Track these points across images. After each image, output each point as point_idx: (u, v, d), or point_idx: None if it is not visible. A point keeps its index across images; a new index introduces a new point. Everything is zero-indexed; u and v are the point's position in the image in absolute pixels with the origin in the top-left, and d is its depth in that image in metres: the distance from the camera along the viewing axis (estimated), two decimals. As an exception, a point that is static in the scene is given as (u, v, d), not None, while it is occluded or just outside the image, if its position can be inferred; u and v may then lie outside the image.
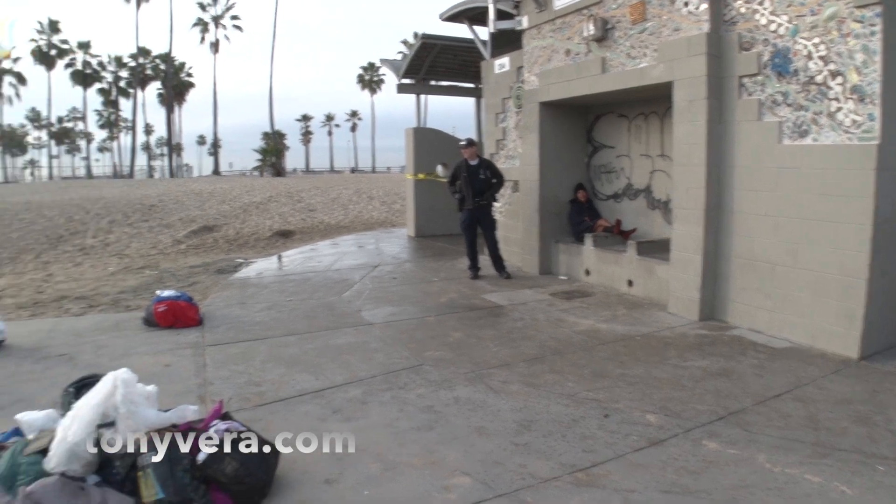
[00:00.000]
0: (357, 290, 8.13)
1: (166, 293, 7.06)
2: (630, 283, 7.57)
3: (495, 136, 10.22)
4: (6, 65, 71.93)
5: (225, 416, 3.48)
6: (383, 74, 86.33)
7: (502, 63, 9.91)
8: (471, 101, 16.52)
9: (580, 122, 9.15)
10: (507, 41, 10.21)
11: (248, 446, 3.24)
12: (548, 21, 8.50)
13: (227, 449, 3.18)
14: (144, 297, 8.15)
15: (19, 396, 4.70)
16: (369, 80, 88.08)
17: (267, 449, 3.32)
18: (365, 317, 6.79)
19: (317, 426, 3.95)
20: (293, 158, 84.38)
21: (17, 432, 3.60)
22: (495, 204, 9.13)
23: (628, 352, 5.33)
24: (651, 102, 8.02)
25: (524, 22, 8.97)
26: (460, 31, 11.68)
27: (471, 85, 15.68)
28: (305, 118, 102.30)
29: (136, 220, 17.65)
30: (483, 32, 10.88)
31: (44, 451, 3.24)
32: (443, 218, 13.24)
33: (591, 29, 7.46)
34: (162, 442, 3.18)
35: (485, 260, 9.04)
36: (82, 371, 4.79)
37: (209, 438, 3.23)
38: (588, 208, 8.85)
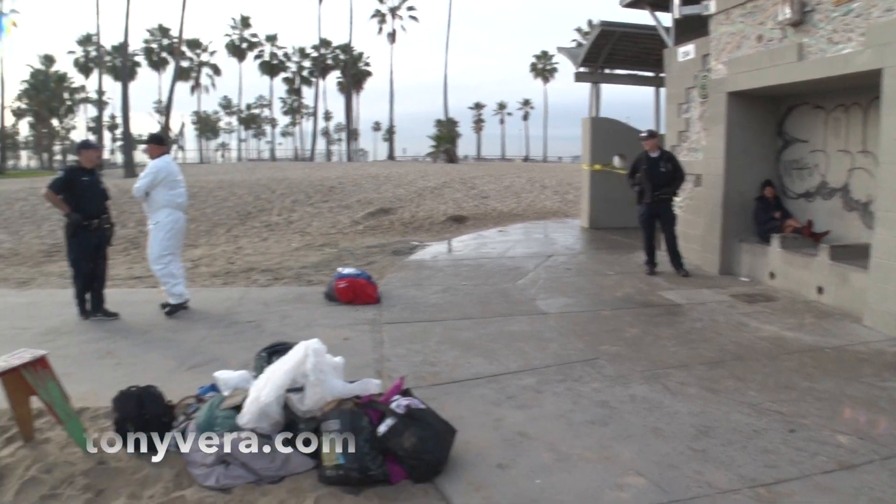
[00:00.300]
0: (531, 279, 8.19)
1: (347, 271, 7.39)
2: (820, 290, 6.93)
3: (677, 128, 9.78)
4: (204, 58, 79.68)
5: (405, 393, 3.59)
6: (556, 63, 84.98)
7: (686, 51, 9.43)
8: (648, 90, 15.89)
9: (770, 114, 8.47)
10: (691, 27, 9.67)
11: (427, 423, 3.31)
12: (737, 5, 7.95)
13: (407, 424, 3.26)
14: (325, 273, 8.61)
15: (213, 356, 5.21)
16: (542, 68, 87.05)
17: (444, 428, 3.39)
18: (539, 306, 6.84)
19: (490, 410, 4.06)
20: (465, 146, 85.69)
21: (214, 388, 3.92)
22: (675, 198, 8.76)
23: (817, 364, 4.92)
24: (853, 92, 7.23)
25: (711, 6, 8.44)
26: (641, 17, 11.26)
27: (650, 74, 15.07)
28: (478, 106, 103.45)
29: (316, 201, 18.43)
30: (666, 18, 10.39)
31: (237, 408, 3.51)
32: (618, 210, 12.82)
33: (787, 12, 6.87)
34: (346, 411, 3.34)
35: (662, 255, 8.71)
36: (269, 338, 5.17)
37: (391, 412, 3.33)
38: (776, 206, 8.19)
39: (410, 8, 73.18)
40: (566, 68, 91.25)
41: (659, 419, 3.91)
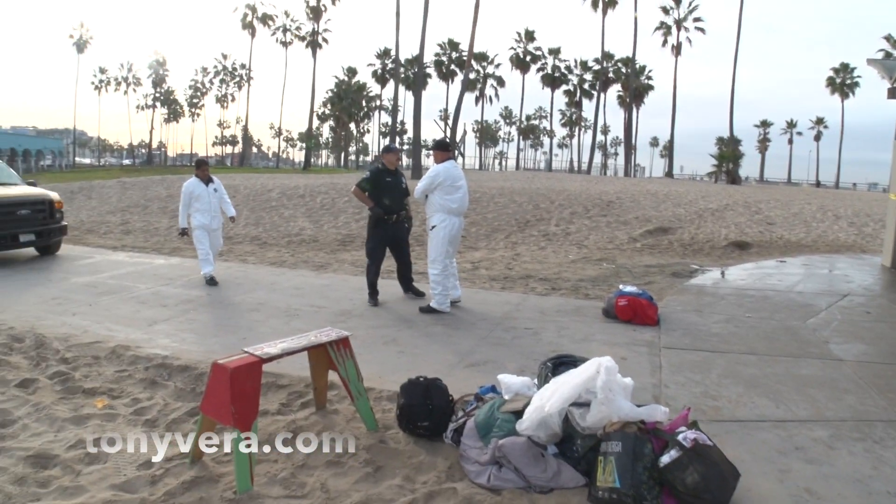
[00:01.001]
0: (823, 319, 7.19)
1: (628, 289, 7.02)
2: None
3: None
4: (489, 70, 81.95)
5: (692, 425, 3.29)
6: (858, 77, 72.33)
7: None
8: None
9: None
10: None
11: (712, 462, 3.01)
12: None
13: (692, 459, 2.96)
14: (602, 288, 8.32)
15: (490, 358, 5.26)
16: (840, 82, 74.03)
17: (729, 470, 3.08)
18: (833, 350, 5.98)
19: (775, 458, 3.65)
20: (747, 166, 77.27)
21: (494, 389, 3.93)
22: None
23: None
24: None
25: None
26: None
27: None
28: (764, 124, 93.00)
29: (594, 214, 17.60)
30: None
31: (516, 413, 3.46)
32: (931, 248, 10.60)
33: None
34: (630, 435, 3.08)
35: None
36: (545, 346, 5.13)
37: (676, 444, 3.07)
38: None
39: (697, 19, 65.34)
40: (870, 83, 77.90)
41: None
